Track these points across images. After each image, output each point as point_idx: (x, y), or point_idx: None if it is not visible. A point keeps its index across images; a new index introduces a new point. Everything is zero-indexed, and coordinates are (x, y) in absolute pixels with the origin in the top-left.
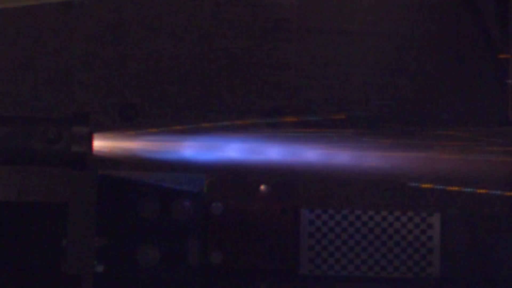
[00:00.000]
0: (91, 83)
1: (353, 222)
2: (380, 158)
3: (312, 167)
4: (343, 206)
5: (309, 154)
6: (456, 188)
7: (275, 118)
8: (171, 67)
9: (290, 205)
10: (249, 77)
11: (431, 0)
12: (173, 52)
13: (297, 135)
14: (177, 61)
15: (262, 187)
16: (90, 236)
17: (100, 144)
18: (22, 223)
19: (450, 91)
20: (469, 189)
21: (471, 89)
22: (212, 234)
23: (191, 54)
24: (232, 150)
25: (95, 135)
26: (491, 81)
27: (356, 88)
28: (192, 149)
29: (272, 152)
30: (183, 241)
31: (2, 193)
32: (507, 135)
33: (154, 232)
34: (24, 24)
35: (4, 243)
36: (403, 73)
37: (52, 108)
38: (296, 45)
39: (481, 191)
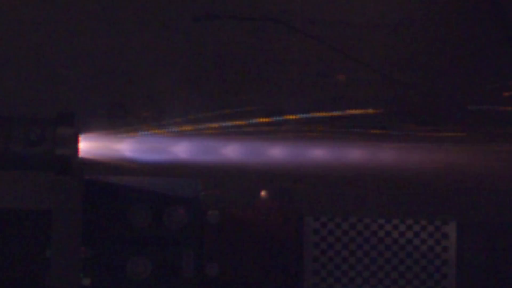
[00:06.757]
0: (77, 80)
1: (361, 231)
2: (389, 159)
3: (316, 170)
4: (350, 214)
5: (314, 155)
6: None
7: (277, 117)
8: (164, 63)
9: (293, 212)
10: (248, 73)
11: None
12: (166, 46)
13: (300, 135)
14: (170, 56)
15: (263, 193)
16: (76, 246)
17: (86, 146)
18: (1, 232)
19: (465, 87)
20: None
21: (488, 85)
22: (208, 244)
23: (186, 48)
24: (230, 152)
25: (82, 137)
26: (510, 76)
27: (365, 84)
28: (186, 151)
29: (273, 154)
30: (177, 252)
31: None
32: None
33: (145, 242)
34: (3, 16)
35: None
36: (415, 68)
37: (35, 107)
38: (299, 38)
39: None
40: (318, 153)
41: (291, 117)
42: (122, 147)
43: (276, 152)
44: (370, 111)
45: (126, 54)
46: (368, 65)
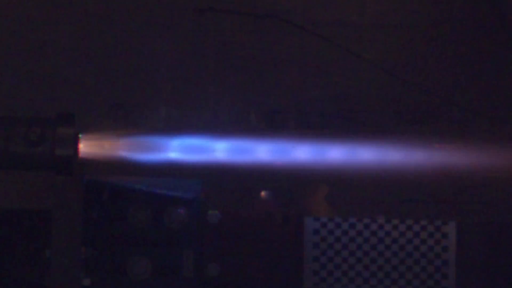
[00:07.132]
0: (77, 80)
1: (361, 231)
2: (391, 160)
3: (317, 170)
4: (350, 214)
5: (313, 156)
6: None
7: (276, 118)
8: (163, 63)
9: (293, 212)
10: (248, 74)
11: None
12: (166, 46)
13: (300, 135)
14: (170, 56)
15: (263, 193)
16: (76, 246)
17: (87, 146)
18: (1, 232)
19: (466, 87)
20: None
21: (489, 85)
22: (209, 244)
23: (186, 48)
24: (230, 152)
25: (82, 137)
26: (510, 75)
27: (365, 85)
28: (186, 152)
29: (273, 154)
30: (177, 252)
31: None
32: None
33: (145, 242)
34: (3, 15)
35: None
36: (416, 69)
37: (35, 107)
38: (299, 39)
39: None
40: (317, 153)
41: (291, 116)
42: (122, 147)
43: (277, 153)
44: (371, 111)
45: (126, 54)
46: (369, 64)
